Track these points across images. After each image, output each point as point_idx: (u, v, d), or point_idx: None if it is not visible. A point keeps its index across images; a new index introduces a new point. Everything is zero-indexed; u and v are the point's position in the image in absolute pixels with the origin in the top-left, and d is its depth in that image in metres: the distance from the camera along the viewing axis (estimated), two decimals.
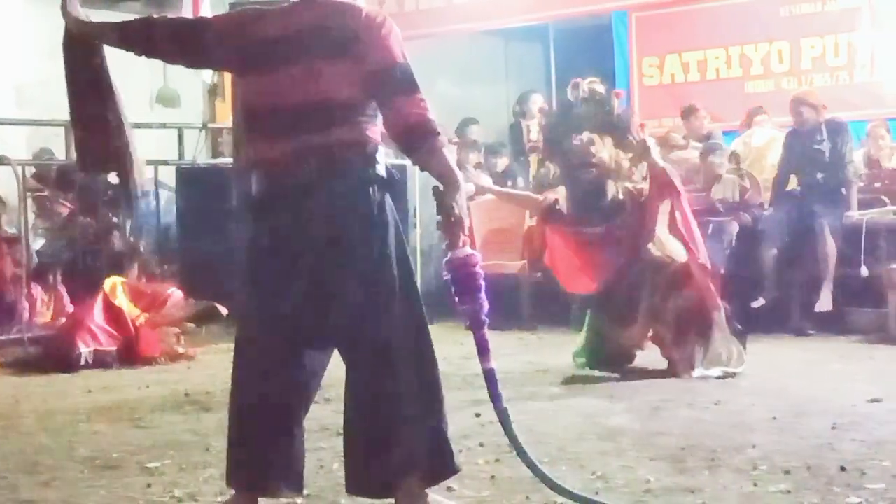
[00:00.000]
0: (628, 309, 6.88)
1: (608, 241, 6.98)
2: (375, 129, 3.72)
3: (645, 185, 6.97)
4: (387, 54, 3.65)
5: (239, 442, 3.84)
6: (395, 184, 3.78)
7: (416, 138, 3.66)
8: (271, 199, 3.75)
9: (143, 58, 3.95)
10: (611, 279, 6.94)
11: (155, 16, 4.03)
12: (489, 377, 3.84)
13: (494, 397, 3.83)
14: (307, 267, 3.70)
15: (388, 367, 3.70)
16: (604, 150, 6.94)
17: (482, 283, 3.76)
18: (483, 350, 3.81)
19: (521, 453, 3.81)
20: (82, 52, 4.10)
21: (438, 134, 3.67)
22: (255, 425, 3.80)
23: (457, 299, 3.78)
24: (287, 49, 3.68)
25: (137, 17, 3.95)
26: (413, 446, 3.72)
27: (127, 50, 3.97)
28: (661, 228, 6.94)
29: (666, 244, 6.90)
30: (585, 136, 6.94)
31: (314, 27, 3.67)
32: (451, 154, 3.78)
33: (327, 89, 3.64)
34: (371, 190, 3.70)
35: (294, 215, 3.69)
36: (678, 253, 6.83)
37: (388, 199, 3.76)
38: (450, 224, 3.67)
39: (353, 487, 3.84)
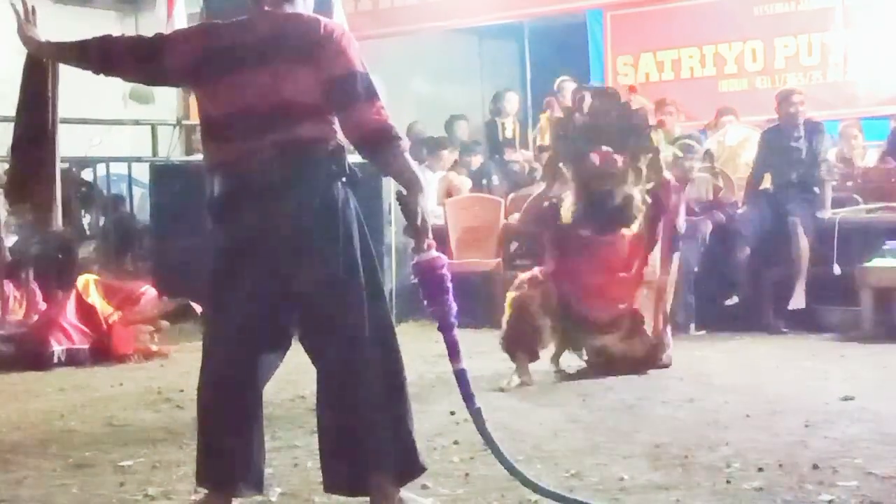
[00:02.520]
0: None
1: (618, 249, 6.89)
2: (336, 127, 3.74)
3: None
4: (346, 62, 3.69)
5: (204, 441, 3.86)
6: (358, 181, 3.79)
7: (376, 144, 3.70)
8: (234, 200, 3.76)
9: (101, 76, 3.95)
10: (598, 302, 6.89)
11: (113, 34, 4.02)
12: (460, 378, 3.85)
13: (467, 398, 3.85)
14: (272, 265, 3.72)
15: (354, 366, 3.72)
16: (620, 161, 6.78)
17: (449, 285, 3.78)
18: (453, 352, 3.82)
19: (497, 452, 3.82)
20: (38, 76, 4.13)
21: (399, 139, 3.71)
22: (217, 425, 3.82)
23: (425, 302, 3.79)
24: (246, 55, 3.72)
25: (97, 35, 3.95)
26: (381, 444, 3.73)
27: (85, 68, 3.98)
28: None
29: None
30: (604, 148, 6.76)
31: (274, 35, 3.72)
32: (411, 159, 3.80)
33: (288, 92, 3.68)
34: (335, 186, 3.72)
35: (258, 214, 3.71)
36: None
37: (353, 197, 3.78)
38: (415, 227, 3.72)
39: (328, 485, 3.86)
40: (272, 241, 3.71)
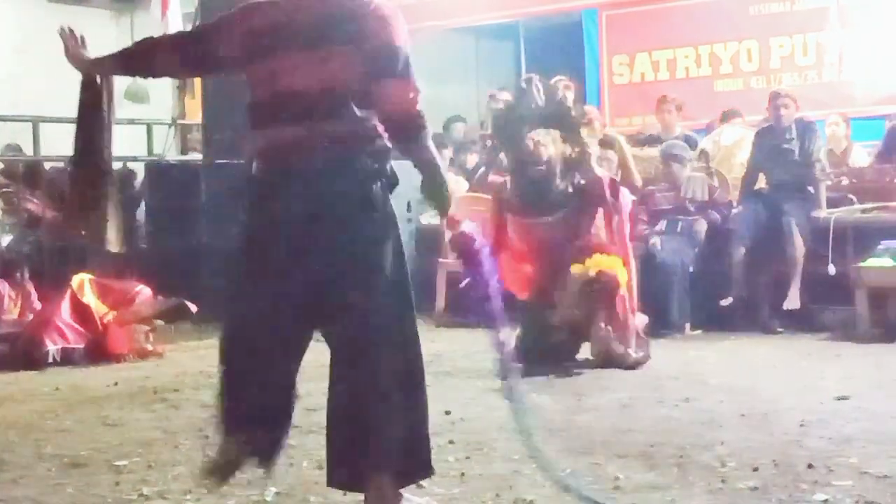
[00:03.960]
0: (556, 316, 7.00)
1: (553, 232, 7.10)
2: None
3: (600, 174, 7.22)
4: (388, 35, 3.64)
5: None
6: (397, 182, 3.78)
7: (404, 129, 3.69)
8: (275, 187, 3.70)
9: (151, 79, 3.97)
10: (544, 284, 7.10)
11: (154, 35, 4.05)
12: (499, 350, 4.00)
13: (504, 371, 3.98)
14: (303, 254, 3.67)
15: (375, 363, 3.69)
16: (552, 146, 7.07)
17: (484, 258, 3.85)
18: (492, 323, 3.94)
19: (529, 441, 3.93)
20: (92, 96, 4.17)
21: (426, 128, 3.71)
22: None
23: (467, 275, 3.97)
24: (296, 36, 3.66)
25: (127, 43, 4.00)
26: (387, 444, 3.71)
27: (133, 75, 4.02)
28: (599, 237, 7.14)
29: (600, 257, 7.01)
30: (536, 133, 7.07)
31: (325, 15, 3.66)
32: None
33: (339, 77, 3.63)
34: (376, 185, 3.69)
35: (296, 204, 3.65)
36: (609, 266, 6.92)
37: (390, 200, 3.77)
38: (445, 209, 3.79)
39: (330, 480, 3.84)
40: (307, 230, 3.65)
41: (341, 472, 3.78)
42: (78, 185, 4.22)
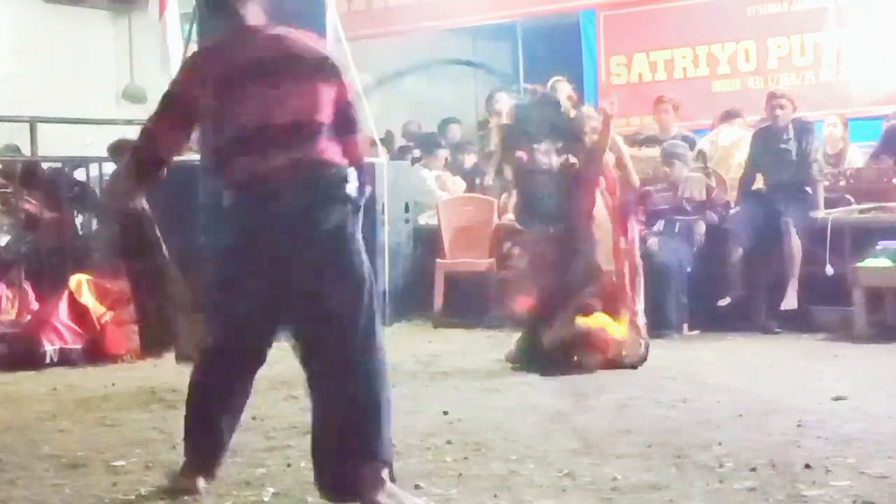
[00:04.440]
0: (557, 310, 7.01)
1: (554, 243, 7.13)
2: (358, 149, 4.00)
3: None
4: (352, 88, 4.01)
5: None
6: (361, 207, 3.97)
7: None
8: (249, 216, 3.90)
9: (173, 158, 4.16)
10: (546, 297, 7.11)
11: (146, 124, 4.14)
12: None
13: None
14: (276, 273, 3.88)
15: (347, 371, 3.83)
16: (553, 157, 7.11)
17: None
18: None
19: None
20: (136, 227, 4.36)
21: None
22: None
23: None
24: (258, 72, 3.89)
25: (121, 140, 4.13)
26: (373, 440, 3.82)
27: (157, 174, 4.16)
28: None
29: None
30: (539, 146, 7.11)
31: (281, 53, 3.95)
32: None
33: (306, 109, 3.86)
34: (345, 210, 3.88)
35: (271, 228, 3.85)
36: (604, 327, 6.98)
37: (359, 220, 3.94)
38: None
39: (318, 485, 3.90)
40: (278, 250, 3.85)
41: (326, 477, 3.86)
42: (147, 314, 4.37)
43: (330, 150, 3.90)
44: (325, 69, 3.92)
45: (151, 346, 4.46)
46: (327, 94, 3.89)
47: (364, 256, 3.92)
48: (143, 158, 4.17)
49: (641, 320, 7.11)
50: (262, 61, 3.90)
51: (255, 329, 4.00)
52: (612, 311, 7.01)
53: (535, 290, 7.21)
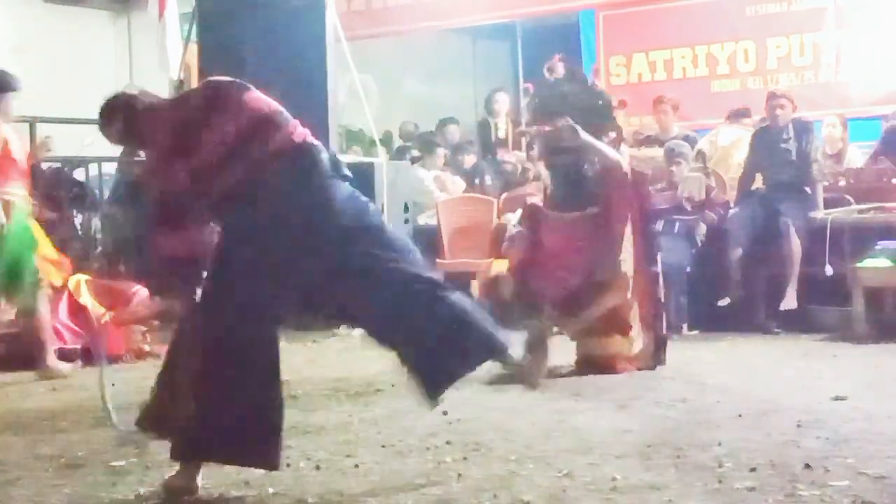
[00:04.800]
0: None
1: (585, 228, 6.88)
2: (295, 133, 4.26)
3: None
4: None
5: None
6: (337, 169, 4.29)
7: None
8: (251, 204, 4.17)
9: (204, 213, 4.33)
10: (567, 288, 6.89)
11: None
12: None
13: None
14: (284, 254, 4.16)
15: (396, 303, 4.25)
16: (581, 132, 6.72)
17: None
18: None
19: None
20: None
21: None
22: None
23: None
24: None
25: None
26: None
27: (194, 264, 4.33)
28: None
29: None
30: (562, 122, 6.73)
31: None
32: None
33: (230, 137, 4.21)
34: (313, 178, 4.20)
35: (264, 216, 4.15)
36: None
37: (337, 184, 4.27)
38: None
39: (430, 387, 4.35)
40: (278, 230, 4.14)
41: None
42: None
43: (275, 142, 4.21)
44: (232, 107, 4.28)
45: None
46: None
47: (349, 218, 4.21)
48: (169, 256, 4.41)
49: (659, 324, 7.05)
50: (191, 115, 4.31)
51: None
52: (625, 320, 6.86)
53: (556, 280, 6.90)
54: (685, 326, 8.52)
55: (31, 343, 7.38)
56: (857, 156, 9.62)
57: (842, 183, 9.12)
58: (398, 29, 12.29)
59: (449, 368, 4.34)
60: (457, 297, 4.35)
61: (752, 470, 4.31)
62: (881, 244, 8.17)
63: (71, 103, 11.63)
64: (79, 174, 10.49)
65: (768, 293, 8.64)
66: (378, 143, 10.45)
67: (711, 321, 8.55)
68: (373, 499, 4.09)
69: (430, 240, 9.77)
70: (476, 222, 9.93)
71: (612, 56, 11.92)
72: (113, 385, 6.73)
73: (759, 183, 9.02)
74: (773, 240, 8.60)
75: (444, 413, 5.37)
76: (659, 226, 8.78)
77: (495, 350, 4.40)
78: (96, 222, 10.60)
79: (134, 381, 6.92)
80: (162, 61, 11.19)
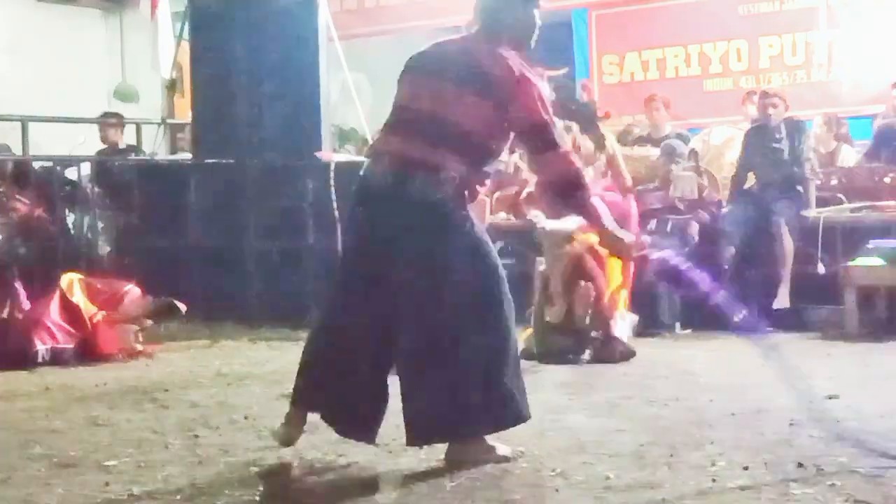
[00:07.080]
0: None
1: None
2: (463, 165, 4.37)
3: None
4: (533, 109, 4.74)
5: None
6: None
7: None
8: (364, 191, 4.46)
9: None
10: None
11: None
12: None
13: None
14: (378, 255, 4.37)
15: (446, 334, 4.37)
16: (567, 137, 7.03)
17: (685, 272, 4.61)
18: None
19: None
20: None
21: None
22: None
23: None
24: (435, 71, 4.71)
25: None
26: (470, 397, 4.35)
27: None
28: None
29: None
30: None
31: (462, 61, 4.79)
32: None
33: (454, 115, 4.43)
34: (434, 210, 4.31)
35: (374, 209, 4.40)
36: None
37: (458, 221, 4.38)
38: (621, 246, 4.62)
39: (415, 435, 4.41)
40: (379, 234, 4.35)
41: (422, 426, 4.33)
42: None
43: (439, 156, 4.37)
44: (491, 85, 4.60)
45: None
46: (489, 109, 4.49)
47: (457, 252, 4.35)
48: None
49: (630, 319, 7.20)
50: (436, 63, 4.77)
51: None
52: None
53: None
54: (678, 325, 8.52)
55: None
56: (851, 155, 9.63)
57: (834, 182, 9.13)
58: (391, 28, 12.28)
59: (449, 424, 4.38)
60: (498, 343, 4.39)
61: (745, 469, 4.32)
62: (873, 243, 8.18)
63: (63, 102, 11.65)
64: (71, 173, 10.48)
65: (760, 292, 8.63)
66: (370, 142, 10.43)
67: (704, 320, 8.54)
68: (364, 499, 4.09)
69: None
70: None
71: (605, 55, 11.92)
72: (105, 384, 6.76)
73: (751, 182, 9.03)
74: (766, 239, 8.61)
75: None
76: (651, 225, 8.81)
77: (504, 425, 4.48)
78: (88, 221, 10.59)
79: (126, 380, 6.92)
80: (154, 60, 11.18)
